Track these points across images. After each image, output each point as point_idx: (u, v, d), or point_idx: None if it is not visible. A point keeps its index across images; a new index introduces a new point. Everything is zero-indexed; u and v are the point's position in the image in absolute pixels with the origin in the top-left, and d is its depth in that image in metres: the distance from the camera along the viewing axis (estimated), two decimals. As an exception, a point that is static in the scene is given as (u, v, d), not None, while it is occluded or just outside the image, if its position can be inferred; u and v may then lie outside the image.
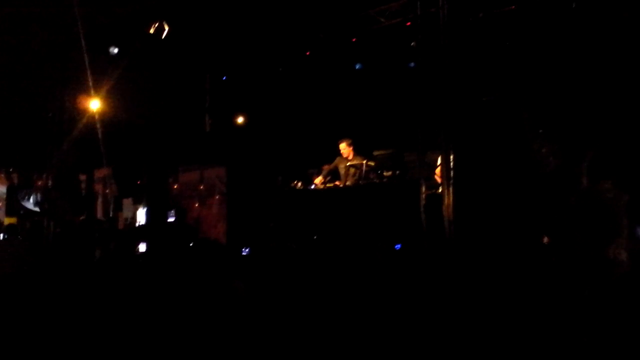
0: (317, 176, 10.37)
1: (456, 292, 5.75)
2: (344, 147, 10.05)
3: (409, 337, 4.51)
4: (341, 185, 9.96)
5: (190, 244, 9.47)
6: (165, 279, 5.80)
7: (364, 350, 4.33)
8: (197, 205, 13.98)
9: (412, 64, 10.23)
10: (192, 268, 6.20)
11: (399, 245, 8.27)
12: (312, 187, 10.29)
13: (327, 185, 10.10)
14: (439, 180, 8.45)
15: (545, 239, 7.05)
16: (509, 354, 4.20)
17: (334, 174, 10.26)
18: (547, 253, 6.90)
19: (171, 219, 12.48)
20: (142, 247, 9.58)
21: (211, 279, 5.68)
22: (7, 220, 13.11)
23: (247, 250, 9.18)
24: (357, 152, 10.06)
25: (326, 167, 10.47)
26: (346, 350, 4.32)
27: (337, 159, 10.23)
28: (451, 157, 7.96)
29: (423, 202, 8.19)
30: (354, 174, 9.88)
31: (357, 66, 11.61)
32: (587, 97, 7.40)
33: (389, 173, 9.37)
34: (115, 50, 10.74)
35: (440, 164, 8.24)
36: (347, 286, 6.07)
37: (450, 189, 7.88)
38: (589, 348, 4.02)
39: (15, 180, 14.04)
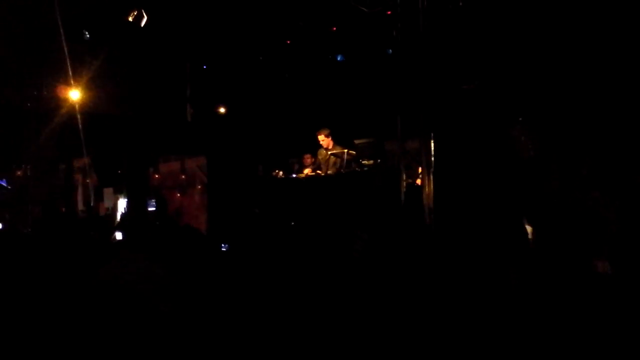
0: (298, 165, 10.37)
1: (435, 280, 5.77)
2: (323, 139, 10.04)
3: (387, 325, 4.51)
4: (322, 174, 9.96)
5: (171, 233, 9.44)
6: (143, 268, 5.76)
7: (341, 339, 4.32)
8: (178, 195, 13.96)
9: (389, 51, 10.22)
10: (171, 257, 6.16)
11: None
12: (294, 176, 10.28)
13: (308, 174, 10.09)
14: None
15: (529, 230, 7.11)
16: (488, 341, 4.21)
17: (318, 166, 10.27)
18: (526, 241, 6.95)
19: (152, 209, 12.44)
20: (119, 236, 9.53)
21: (189, 268, 5.66)
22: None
23: (226, 246, 9.14)
24: (337, 141, 10.06)
25: (309, 157, 10.47)
26: (324, 339, 4.31)
27: (319, 151, 10.23)
28: (431, 145, 7.98)
29: (403, 190, 8.20)
30: (335, 163, 9.88)
31: (339, 58, 11.59)
32: (566, 86, 7.44)
33: (370, 162, 9.38)
34: (88, 35, 10.62)
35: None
36: (326, 275, 6.07)
37: (430, 177, 7.89)
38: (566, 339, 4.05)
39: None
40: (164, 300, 4.82)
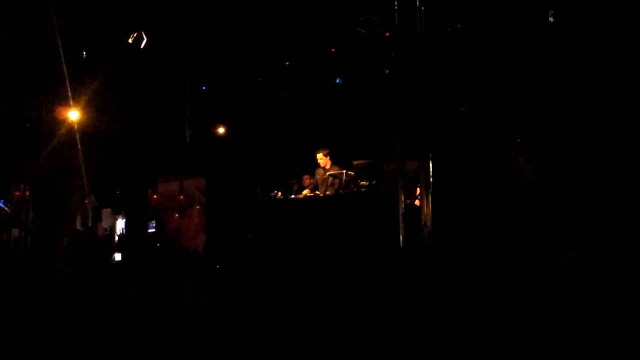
0: (297, 186, 10.37)
1: (434, 301, 5.77)
2: (321, 157, 10.08)
3: (387, 345, 4.50)
4: (321, 195, 9.96)
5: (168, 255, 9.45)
6: (141, 288, 5.75)
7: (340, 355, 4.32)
8: (176, 215, 13.94)
9: (386, 71, 10.28)
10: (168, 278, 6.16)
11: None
12: (292, 196, 10.29)
13: (307, 195, 10.10)
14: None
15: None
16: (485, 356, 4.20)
17: (316, 186, 10.28)
18: (524, 261, 6.94)
19: (151, 230, 12.43)
20: (118, 257, 9.53)
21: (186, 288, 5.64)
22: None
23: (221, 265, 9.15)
24: (335, 161, 10.08)
25: (307, 178, 10.48)
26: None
27: (316, 171, 10.25)
28: (430, 166, 8.00)
29: (402, 211, 8.20)
30: (334, 184, 9.88)
31: (338, 80, 11.65)
32: (564, 107, 7.48)
33: (367, 183, 9.39)
34: (87, 56, 10.68)
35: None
36: (324, 296, 6.06)
37: (429, 198, 7.90)
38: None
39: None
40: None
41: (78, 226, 13.93)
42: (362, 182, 9.48)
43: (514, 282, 6.23)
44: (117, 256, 9.57)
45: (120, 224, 12.64)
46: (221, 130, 13.17)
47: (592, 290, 5.52)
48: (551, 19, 7.85)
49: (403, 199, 8.32)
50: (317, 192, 10.09)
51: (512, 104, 7.86)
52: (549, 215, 7.23)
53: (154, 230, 12.49)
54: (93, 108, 11.25)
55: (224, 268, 8.43)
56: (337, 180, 9.82)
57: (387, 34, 9.65)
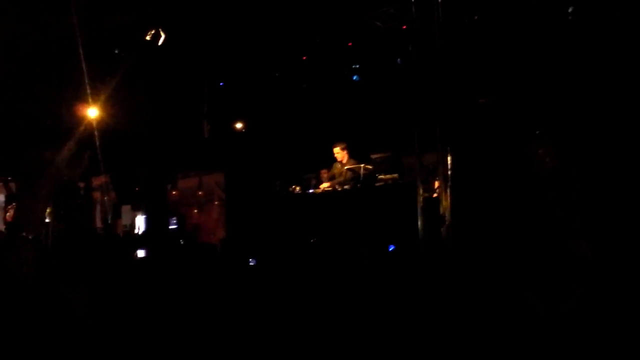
0: (315, 181, 10.37)
1: (453, 294, 5.75)
2: (338, 151, 10.06)
3: (406, 340, 4.50)
4: (339, 189, 9.96)
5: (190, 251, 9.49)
6: (165, 285, 5.80)
7: (361, 352, 4.33)
8: (195, 211, 14.01)
9: (399, 60, 10.28)
10: (191, 274, 6.21)
11: (392, 247, 8.29)
12: (311, 191, 10.30)
13: (325, 189, 10.10)
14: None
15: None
16: (506, 355, 4.19)
17: (333, 179, 10.28)
18: (543, 254, 6.90)
19: (173, 226, 12.49)
20: (141, 253, 9.58)
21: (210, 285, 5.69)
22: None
23: (254, 260, 9.16)
24: (352, 155, 10.07)
25: (325, 172, 10.47)
26: (343, 352, 4.32)
27: (334, 164, 10.25)
28: (448, 159, 7.97)
29: (421, 204, 8.19)
30: (352, 178, 9.88)
31: (355, 78, 11.63)
32: (583, 99, 7.42)
33: (387, 176, 9.38)
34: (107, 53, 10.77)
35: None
36: (345, 289, 6.07)
37: (448, 191, 7.88)
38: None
39: (14, 189, 14.00)
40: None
41: (98, 223, 14.05)
42: (380, 176, 9.47)
43: (531, 274, 6.21)
44: (140, 253, 9.62)
45: (140, 221, 12.71)
46: (239, 125, 13.21)
47: (605, 284, 5.50)
48: (570, 9, 7.79)
49: (422, 192, 8.31)
50: (336, 186, 10.09)
51: (531, 96, 7.81)
52: (564, 210, 7.18)
53: (175, 226, 12.54)
54: (112, 105, 11.33)
55: (248, 263, 8.46)
56: (355, 174, 9.81)
57: (404, 27, 9.63)
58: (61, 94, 11.26)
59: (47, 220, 11.87)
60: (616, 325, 4.33)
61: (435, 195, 8.45)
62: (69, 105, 11.30)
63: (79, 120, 11.30)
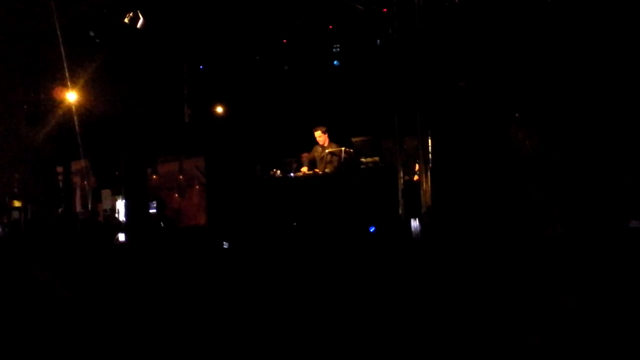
0: (296, 164, 10.37)
1: (433, 276, 5.80)
2: (320, 135, 10.09)
3: (386, 322, 4.54)
4: (320, 173, 9.97)
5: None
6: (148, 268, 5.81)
7: (342, 334, 4.35)
8: (176, 196, 13.94)
9: (378, 42, 10.28)
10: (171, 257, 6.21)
11: (373, 228, 8.33)
12: (292, 175, 10.30)
13: (306, 172, 10.10)
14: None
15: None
16: (486, 338, 4.23)
17: (313, 163, 10.28)
18: (525, 237, 6.98)
19: (152, 210, 12.42)
20: (122, 237, 9.56)
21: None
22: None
23: (227, 244, 9.16)
24: (333, 139, 10.08)
25: (305, 155, 10.47)
26: (326, 335, 4.34)
27: (314, 147, 10.25)
28: (429, 142, 8.01)
29: (401, 187, 8.23)
30: (332, 161, 9.89)
31: (335, 63, 11.61)
32: (563, 82, 7.47)
33: (367, 160, 9.40)
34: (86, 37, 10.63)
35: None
36: (326, 272, 6.10)
37: (428, 174, 7.93)
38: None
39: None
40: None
41: (78, 208, 13.96)
42: (362, 159, 9.49)
43: (509, 254, 6.28)
44: (121, 237, 9.59)
45: (121, 205, 12.63)
46: (220, 109, 13.15)
47: (577, 264, 5.58)
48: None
49: (402, 175, 8.35)
50: (315, 169, 10.10)
51: (511, 79, 7.85)
52: (540, 194, 7.26)
53: (155, 210, 12.48)
54: (91, 89, 11.23)
55: (229, 246, 8.47)
56: (335, 158, 9.83)
57: (385, 10, 9.60)
58: (39, 78, 11.16)
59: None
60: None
61: (415, 178, 8.48)
62: (46, 90, 11.20)
63: (58, 104, 11.21)
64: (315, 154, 10.22)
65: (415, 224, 7.62)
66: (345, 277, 5.90)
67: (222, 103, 13.11)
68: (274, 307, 4.90)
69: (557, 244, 6.47)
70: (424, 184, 7.89)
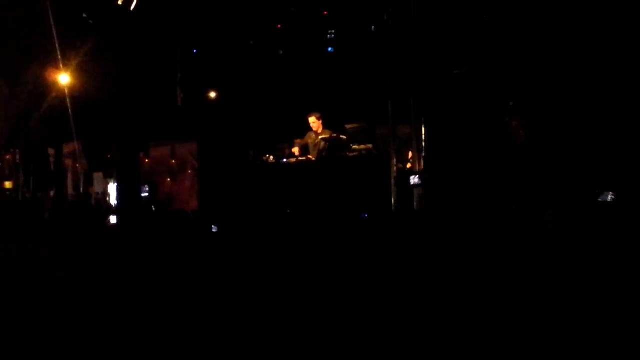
0: (289, 150, 10.34)
1: (424, 262, 5.81)
2: (314, 121, 10.05)
3: (378, 307, 4.53)
4: (313, 159, 9.95)
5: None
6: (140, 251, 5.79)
7: (335, 321, 4.35)
8: (168, 180, 13.92)
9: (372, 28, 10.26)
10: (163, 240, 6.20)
11: (365, 215, 8.35)
12: (284, 160, 10.27)
13: (299, 158, 10.08)
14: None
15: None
16: (475, 325, 4.24)
17: (305, 148, 10.25)
18: (517, 224, 7.00)
19: (145, 194, 12.39)
20: (113, 219, 9.54)
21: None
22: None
23: (216, 227, 9.16)
24: (327, 125, 10.06)
25: (299, 141, 10.45)
26: (318, 321, 4.34)
27: (308, 134, 10.23)
28: (422, 130, 8.01)
29: (394, 174, 8.23)
30: (326, 148, 9.86)
31: (330, 49, 11.58)
32: (558, 71, 7.46)
33: (361, 146, 9.39)
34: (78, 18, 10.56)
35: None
36: (320, 259, 6.10)
37: (421, 161, 7.93)
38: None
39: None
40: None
41: (70, 191, 13.92)
42: (354, 146, 9.48)
43: (501, 240, 6.31)
44: (113, 219, 9.58)
45: (112, 188, 12.61)
46: (213, 94, 13.09)
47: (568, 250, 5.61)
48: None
49: (395, 162, 8.35)
50: (309, 156, 10.07)
51: (506, 67, 7.84)
52: (532, 181, 7.28)
53: (147, 194, 12.46)
54: (83, 72, 11.16)
55: (220, 231, 8.47)
56: (329, 144, 9.80)
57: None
58: (32, 60, 11.08)
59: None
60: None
61: (409, 166, 8.48)
62: (39, 72, 11.12)
63: (50, 86, 11.14)
64: (309, 140, 10.19)
65: (414, 179, 7.63)
66: (336, 264, 5.90)
67: (215, 88, 13.06)
68: (258, 292, 4.89)
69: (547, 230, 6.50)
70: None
